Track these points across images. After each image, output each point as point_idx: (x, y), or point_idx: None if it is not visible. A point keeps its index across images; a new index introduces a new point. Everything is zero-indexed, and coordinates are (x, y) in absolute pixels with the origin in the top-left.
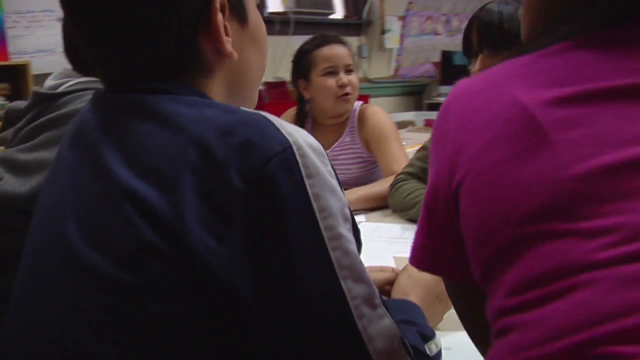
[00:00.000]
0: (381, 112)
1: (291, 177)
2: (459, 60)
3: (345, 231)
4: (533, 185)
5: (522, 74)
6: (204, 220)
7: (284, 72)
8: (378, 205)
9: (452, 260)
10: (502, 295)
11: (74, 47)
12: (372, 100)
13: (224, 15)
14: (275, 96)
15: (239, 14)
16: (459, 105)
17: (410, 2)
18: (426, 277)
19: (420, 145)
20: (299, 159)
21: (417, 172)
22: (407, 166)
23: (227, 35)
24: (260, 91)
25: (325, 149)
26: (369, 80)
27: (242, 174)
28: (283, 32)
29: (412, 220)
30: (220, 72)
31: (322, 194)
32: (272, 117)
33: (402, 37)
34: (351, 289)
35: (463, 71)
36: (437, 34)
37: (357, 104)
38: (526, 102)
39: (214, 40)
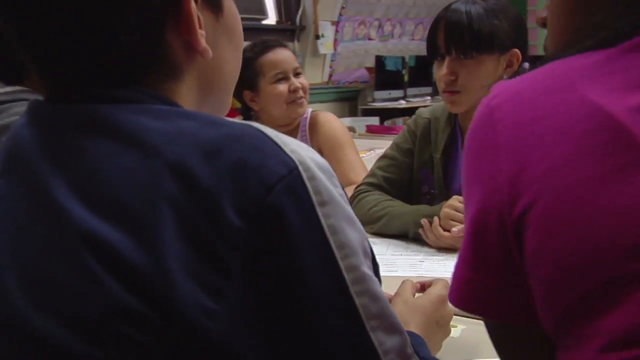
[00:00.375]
0: (334, 119)
1: (301, 207)
2: (391, 65)
3: (369, 270)
4: (637, 210)
5: (592, 74)
6: (192, 272)
7: None
8: None
9: (508, 299)
10: (596, 349)
11: None
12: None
13: (196, 3)
14: None
15: (212, 2)
16: (510, 113)
17: (343, 7)
18: (424, 302)
19: (370, 152)
20: (307, 182)
21: (379, 182)
22: (368, 176)
23: (200, 27)
24: None
25: None
26: None
27: (238, 207)
28: None
29: (377, 234)
30: (190, 74)
31: (340, 226)
32: (267, 129)
33: (336, 42)
34: (383, 342)
35: (397, 76)
36: (370, 38)
37: (307, 111)
38: (610, 108)
39: (184, 35)
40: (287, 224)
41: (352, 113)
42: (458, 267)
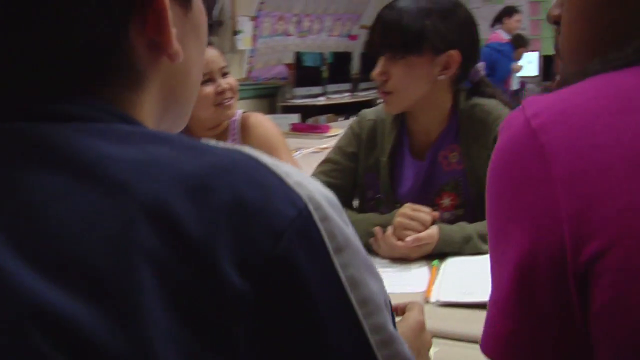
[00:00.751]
0: (266, 120)
1: (315, 258)
2: (310, 61)
3: (393, 328)
4: None
5: None
6: (188, 354)
7: None
8: None
9: (561, 355)
10: None
11: None
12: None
13: None
14: None
15: None
16: (562, 138)
17: (262, 3)
18: (404, 330)
19: (298, 152)
20: (320, 225)
21: None
22: None
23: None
24: None
25: None
26: None
27: (238, 262)
28: None
29: None
30: (154, 81)
31: (360, 277)
32: (261, 156)
33: (254, 38)
34: None
35: (316, 72)
36: (289, 34)
37: (238, 112)
38: None
39: (150, 33)
40: (301, 282)
41: (271, 110)
42: (495, 315)
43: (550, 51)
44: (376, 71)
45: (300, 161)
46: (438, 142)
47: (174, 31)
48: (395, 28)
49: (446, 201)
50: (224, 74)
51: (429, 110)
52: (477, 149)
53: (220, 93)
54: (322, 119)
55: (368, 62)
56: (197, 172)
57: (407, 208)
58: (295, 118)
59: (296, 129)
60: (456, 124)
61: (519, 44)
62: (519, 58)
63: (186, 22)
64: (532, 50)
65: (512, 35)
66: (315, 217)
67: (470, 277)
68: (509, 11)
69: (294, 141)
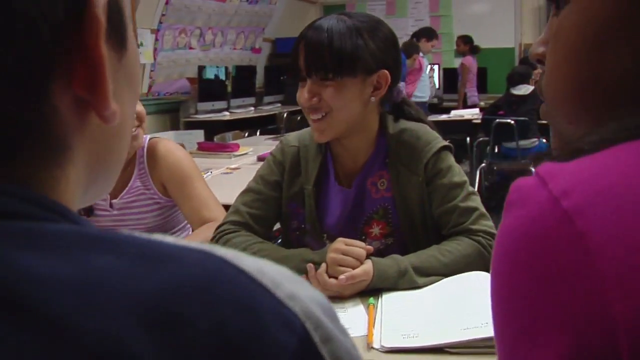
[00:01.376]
0: (176, 148)
1: None
2: (214, 75)
3: None
4: None
5: None
6: None
7: None
8: None
9: None
10: None
11: None
12: None
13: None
14: None
15: (116, 35)
16: (608, 226)
17: (163, 15)
18: None
19: (207, 173)
20: (323, 350)
21: (245, 220)
22: (231, 213)
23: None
24: None
25: (113, 197)
26: None
27: None
28: None
29: None
30: (80, 149)
31: None
32: (238, 260)
33: (155, 51)
34: None
35: (220, 86)
36: (191, 48)
37: (144, 138)
38: None
39: (81, 91)
40: None
41: (174, 126)
42: None
43: (451, 64)
44: (305, 95)
45: (210, 183)
46: (366, 169)
47: (110, 87)
48: (325, 49)
49: (375, 230)
50: None
51: (356, 134)
52: (407, 175)
53: None
54: (228, 135)
55: (272, 75)
56: (159, 294)
57: (340, 243)
58: (200, 135)
59: (203, 148)
60: (384, 149)
61: (411, 51)
62: (413, 65)
63: (120, 69)
64: (433, 64)
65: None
66: (317, 339)
67: (410, 317)
68: (430, 34)
69: (202, 161)
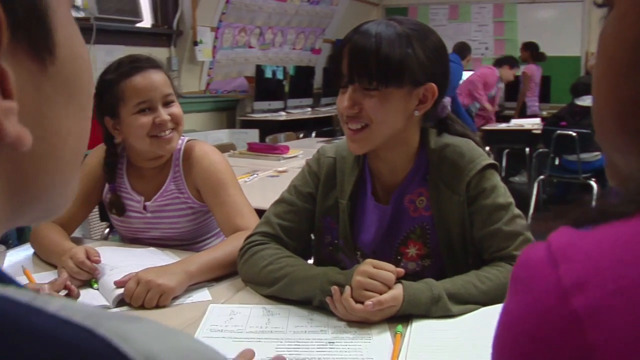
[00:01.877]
0: (212, 152)
1: None
2: (272, 75)
3: None
4: None
5: None
6: None
7: None
8: (227, 273)
9: None
10: None
11: None
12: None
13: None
14: None
15: (35, 40)
16: (634, 339)
17: (223, 13)
18: None
19: (253, 175)
20: None
21: (276, 232)
22: (262, 224)
23: (8, 96)
24: None
25: (147, 199)
26: (179, 95)
27: None
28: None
29: (274, 298)
30: None
31: None
32: (118, 333)
33: (215, 49)
34: None
35: (277, 86)
36: (250, 47)
37: (182, 140)
38: None
39: None
40: None
41: (230, 124)
42: None
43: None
44: (345, 103)
45: (255, 185)
46: (404, 185)
47: (10, 107)
48: (372, 55)
49: (412, 250)
50: (168, 103)
51: (396, 149)
52: (447, 194)
53: (158, 125)
54: (281, 137)
55: (331, 77)
56: None
57: (368, 265)
58: (255, 134)
59: (253, 149)
60: (425, 165)
61: (465, 52)
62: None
63: (46, 81)
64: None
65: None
66: None
67: (439, 350)
68: (465, 51)
69: (250, 162)
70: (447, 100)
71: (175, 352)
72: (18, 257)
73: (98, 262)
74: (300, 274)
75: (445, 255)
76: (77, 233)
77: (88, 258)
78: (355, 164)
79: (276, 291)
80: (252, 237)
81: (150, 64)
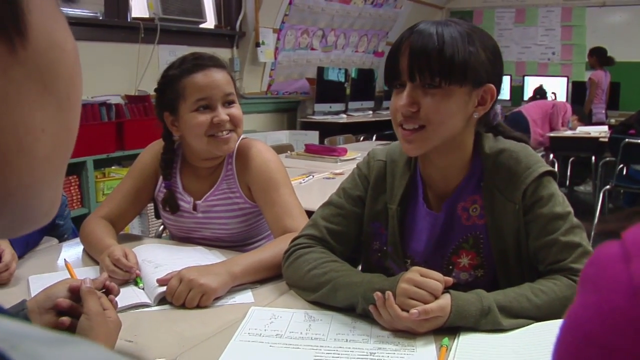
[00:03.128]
0: (266, 151)
1: None
2: (333, 77)
3: None
4: None
5: None
6: None
7: (147, 85)
8: (272, 275)
9: None
10: None
11: None
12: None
13: None
14: (137, 112)
15: (2, 19)
16: None
17: (286, 15)
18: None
19: (309, 176)
20: None
21: (322, 235)
22: (309, 226)
23: None
24: (119, 106)
25: (197, 198)
26: (241, 96)
27: None
28: (148, 40)
29: (318, 303)
30: None
31: None
32: None
33: (277, 51)
34: None
35: (338, 88)
36: (312, 48)
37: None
38: None
39: None
40: None
41: (291, 126)
42: None
43: (581, 77)
44: (403, 101)
45: (310, 187)
46: (457, 192)
47: None
48: (434, 52)
49: (464, 260)
50: (229, 103)
51: (451, 153)
52: (502, 201)
53: (216, 125)
54: (340, 139)
55: (387, 75)
56: None
57: (415, 273)
58: (314, 136)
59: (310, 151)
60: (479, 172)
61: None
62: None
63: (14, 65)
64: (562, 76)
65: None
66: None
67: None
68: None
69: (306, 163)
70: (498, 107)
71: None
72: (72, 251)
73: (131, 267)
74: (345, 280)
75: (498, 266)
76: (135, 230)
77: (125, 257)
78: (406, 168)
79: (319, 297)
80: (298, 240)
81: (213, 62)
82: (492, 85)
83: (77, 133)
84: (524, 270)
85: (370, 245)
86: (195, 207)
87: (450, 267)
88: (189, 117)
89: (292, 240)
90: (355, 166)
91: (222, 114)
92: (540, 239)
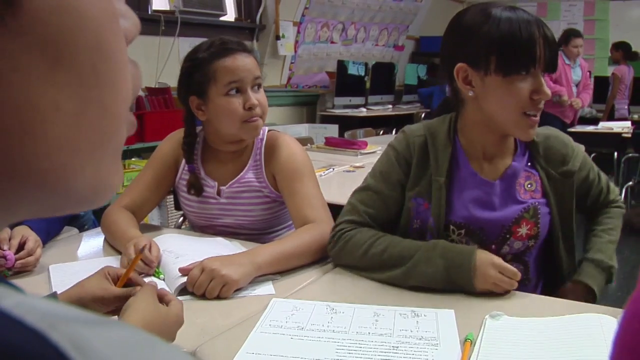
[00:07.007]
0: (294, 143)
1: None
2: (353, 70)
3: None
4: None
5: None
6: None
7: (168, 77)
8: (295, 266)
9: None
10: None
11: None
12: None
13: None
14: (158, 104)
15: None
16: None
17: (306, 8)
18: None
19: (329, 169)
20: None
21: (363, 220)
22: (348, 212)
23: None
24: (140, 98)
25: (221, 184)
26: None
27: None
28: (168, 32)
29: (339, 295)
30: None
31: None
32: (67, 344)
33: (297, 44)
34: None
35: (358, 82)
36: (332, 42)
37: (263, 130)
38: None
39: None
40: None
41: (310, 119)
42: None
43: (604, 72)
44: (544, 87)
45: (330, 180)
46: (511, 168)
47: None
48: (555, 45)
49: (523, 230)
50: (257, 86)
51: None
52: (560, 180)
53: (248, 109)
54: (360, 132)
55: (411, 74)
56: None
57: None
58: (334, 129)
59: (330, 144)
60: (524, 149)
61: None
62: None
63: (3, 36)
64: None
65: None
66: None
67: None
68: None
69: (327, 156)
70: None
71: None
72: (93, 242)
73: (152, 261)
74: (426, 254)
75: (552, 236)
76: (154, 222)
77: (149, 249)
78: (448, 139)
79: (398, 277)
80: (340, 226)
81: (242, 46)
82: None
83: (131, 113)
84: (574, 238)
85: (410, 224)
86: (219, 193)
87: (508, 235)
88: (222, 101)
89: (334, 227)
90: (388, 146)
91: (253, 97)
92: (593, 197)
